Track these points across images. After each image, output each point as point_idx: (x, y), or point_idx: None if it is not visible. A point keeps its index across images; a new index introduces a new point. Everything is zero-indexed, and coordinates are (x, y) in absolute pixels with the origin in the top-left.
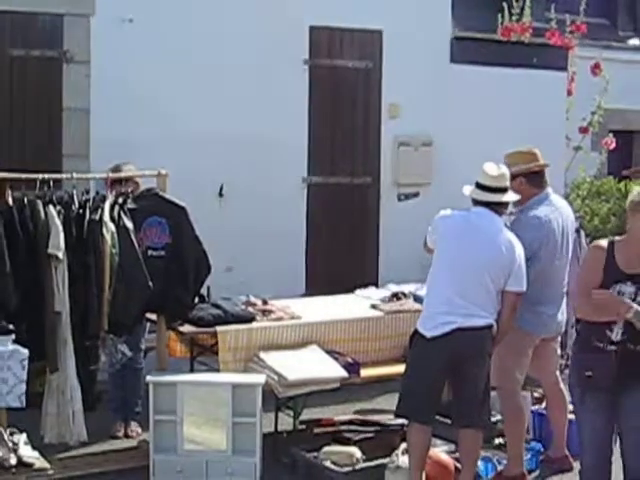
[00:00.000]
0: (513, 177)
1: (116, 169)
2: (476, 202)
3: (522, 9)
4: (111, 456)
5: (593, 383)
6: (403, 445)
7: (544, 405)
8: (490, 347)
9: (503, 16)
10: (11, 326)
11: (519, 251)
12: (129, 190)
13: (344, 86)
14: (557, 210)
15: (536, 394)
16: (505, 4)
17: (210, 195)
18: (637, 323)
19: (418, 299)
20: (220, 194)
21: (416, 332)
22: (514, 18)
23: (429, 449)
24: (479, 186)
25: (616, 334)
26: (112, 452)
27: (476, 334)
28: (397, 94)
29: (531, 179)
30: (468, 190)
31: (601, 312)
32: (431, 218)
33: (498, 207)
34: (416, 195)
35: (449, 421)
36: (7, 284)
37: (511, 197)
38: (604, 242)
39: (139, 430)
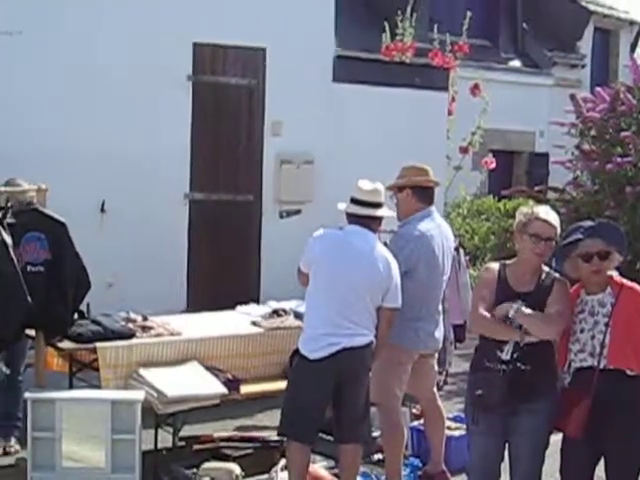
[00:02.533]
0: (401, 189)
1: (9, 183)
2: (350, 217)
3: (404, 29)
4: None
5: (483, 403)
6: (282, 461)
7: (422, 421)
8: (370, 363)
9: (386, 36)
10: None
11: (395, 268)
12: (9, 205)
13: (227, 103)
14: (439, 227)
15: (414, 410)
16: (387, 24)
17: (91, 211)
18: (522, 336)
19: (299, 316)
20: (102, 210)
21: (296, 352)
22: (397, 38)
23: (309, 466)
24: (353, 201)
25: (506, 353)
26: None
27: (359, 352)
28: (280, 112)
29: (418, 193)
30: (343, 206)
31: (493, 329)
32: (311, 235)
33: (372, 222)
34: (298, 212)
35: (329, 437)
36: None
37: (385, 212)
38: (495, 264)
39: (18, 447)
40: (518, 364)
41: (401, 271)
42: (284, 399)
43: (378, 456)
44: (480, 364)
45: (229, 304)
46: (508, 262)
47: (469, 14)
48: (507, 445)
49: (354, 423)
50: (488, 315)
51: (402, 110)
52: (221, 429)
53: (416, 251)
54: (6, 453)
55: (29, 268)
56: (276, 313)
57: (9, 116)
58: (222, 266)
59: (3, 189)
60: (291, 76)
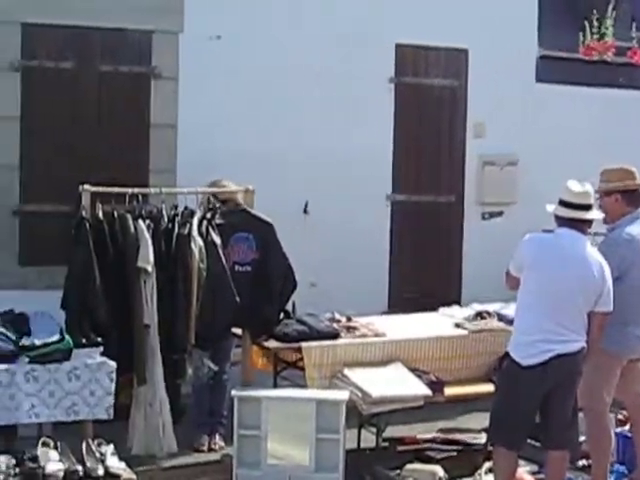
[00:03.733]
0: (609, 193)
1: (214, 184)
2: (559, 219)
3: (605, 28)
4: (195, 469)
5: None
6: (486, 464)
7: (628, 427)
8: (581, 369)
9: (585, 35)
10: (100, 339)
11: (607, 271)
12: (217, 205)
13: (429, 104)
14: None
15: (620, 416)
16: (587, 23)
17: (295, 212)
18: None
19: (503, 318)
20: (305, 211)
21: (506, 356)
22: (595, 37)
23: (515, 472)
24: (562, 203)
25: None
26: (196, 465)
27: (572, 359)
28: (482, 113)
29: (627, 197)
30: (551, 208)
31: None
32: (515, 237)
33: (582, 225)
34: (500, 214)
35: (536, 443)
36: (97, 297)
37: (595, 215)
38: None
39: (223, 444)
40: None
41: (613, 276)
42: (493, 404)
43: (583, 462)
44: None
45: (430, 306)
46: None
47: None
48: None
49: (563, 429)
50: None
51: (604, 110)
52: (423, 431)
53: (628, 256)
54: (211, 449)
55: (237, 268)
56: (480, 315)
57: (215, 119)
58: (423, 268)
59: (209, 190)
60: (493, 77)
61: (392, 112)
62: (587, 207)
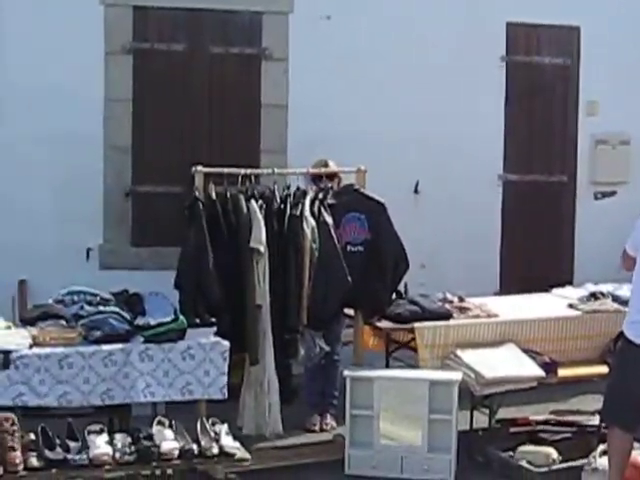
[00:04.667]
0: None
1: (321, 164)
2: None
3: None
4: (307, 449)
5: None
6: (601, 447)
7: None
8: None
9: None
10: (213, 319)
11: None
12: (329, 186)
13: (541, 83)
14: None
15: None
16: None
17: (405, 192)
18: None
19: (617, 299)
20: (415, 191)
21: (621, 336)
22: None
23: (631, 454)
24: None
25: None
26: (308, 445)
27: None
28: (595, 92)
29: None
30: None
31: None
32: (628, 217)
33: None
34: (613, 194)
35: None
36: (210, 278)
37: None
38: None
39: (334, 424)
40: None
41: None
42: (607, 385)
43: None
44: None
45: (542, 287)
46: None
47: None
48: None
49: None
50: None
51: None
52: (536, 412)
53: None
54: (323, 430)
55: (349, 248)
56: (594, 296)
57: (326, 100)
58: (535, 248)
59: (322, 171)
60: (606, 55)
61: (503, 91)
62: None
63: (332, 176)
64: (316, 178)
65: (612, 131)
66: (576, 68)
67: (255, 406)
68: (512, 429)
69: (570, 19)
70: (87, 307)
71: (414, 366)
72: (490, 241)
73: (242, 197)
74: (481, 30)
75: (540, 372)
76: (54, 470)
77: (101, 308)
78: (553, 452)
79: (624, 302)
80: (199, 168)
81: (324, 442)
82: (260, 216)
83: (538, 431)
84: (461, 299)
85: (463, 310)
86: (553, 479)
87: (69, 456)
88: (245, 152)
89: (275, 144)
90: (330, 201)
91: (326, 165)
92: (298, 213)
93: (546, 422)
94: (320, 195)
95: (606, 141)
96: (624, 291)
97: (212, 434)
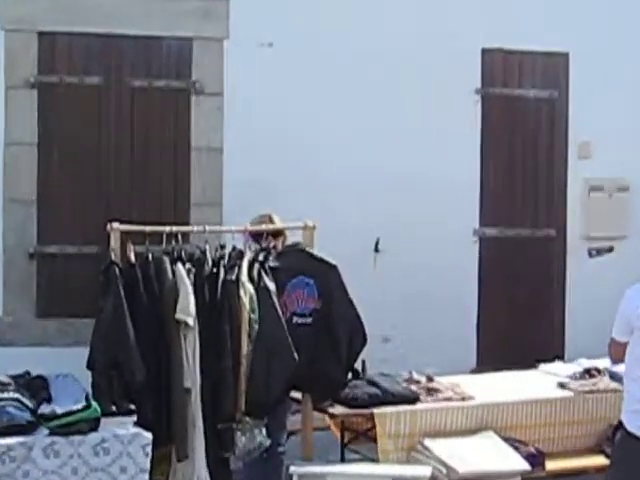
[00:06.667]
0: None
1: (263, 220)
2: None
3: None
4: None
5: None
6: None
7: None
8: None
9: None
10: (133, 405)
11: None
12: (272, 245)
13: (523, 119)
14: None
15: None
16: None
17: (363, 250)
18: None
19: (615, 376)
20: (376, 249)
21: (621, 425)
22: None
23: None
24: None
25: None
26: None
27: None
28: (587, 130)
29: None
30: None
31: None
32: (628, 278)
33: None
34: (610, 250)
35: None
36: (130, 356)
37: None
38: None
39: None
40: None
41: None
42: None
43: None
44: None
45: (528, 362)
46: None
47: None
48: None
49: None
50: None
51: None
52: None
53: None
54: None
55: (295, 319)
56: (588, 373)
57: (269, 141)
58: (519, 316)
59: (262, 228)
60: (600, 87)
61: (479, 130)
62: None
63: (276, 234)
64: (257, 236)
65: (608, 176)
66: (565, 102)
67: None
68: None
69: (557, 44)
70: None
71: (374, 460)
72: (465, 308)
73: (167, 259)
74: (453, 57)
75: (525, 465)
76: None
77: None
78: None
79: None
80: (115, 225)
81: None
82: (188, 282)
83: None
84: (430, 379)
85: (432, 392)
86: None
87: None
88: (172, 205)
89: (208, 195)
90: (272, 264)
91: (271, 221)
92: (234, 278)
93: None
94: (260, 256)
95: (601, 188)
96: (623, 367)
97: None
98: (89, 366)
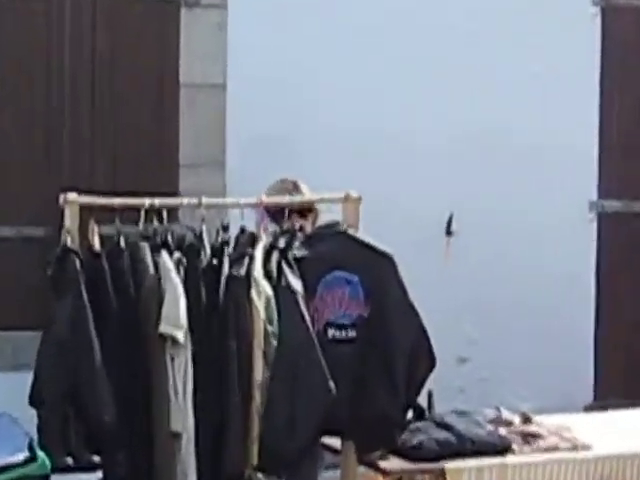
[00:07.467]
0: None
1: (285, 188)
2: None
3: None
4: None
5: None
6: None
7: None
8: None
9: None
10: (97, 456)
11: None
12: (298, 226)
13: None
14: None
15: None
16: None
17: (430, 233)
18: None
19: None
20: (447, 232)
21: None
22: None
23: None
24: None
25: None
26: None
27: None
28: None
29: None
30: None
31: None
32: None
33: None
34: None
35: None
36: (95, 385)
37: None
38: None
39: None
40: None
41: None
42: None
43: None
44: None
45: None
46: None
47: None
48: None
49: None
50: None
51: None
52: None
53: None
54: None
55: (331, 332)
56: None
57: (290, 70)
58: None
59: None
60: None
61: (597, 56)
62: None
63: (305, 210)
64: (276, 213)
65: None
66: None
67: None
68: None
69: None
70: None
71: None
72: (577, 319)
73: (146, 246)
74: None
75: None
76: None
77: None
78: None
79: None
80: (72, 196)
81: None
82: (178, 279)
83: None
84: (527, 419)
85: (530, 438)
86: None
87: None
88: (153, 168)
89: (204, 152)
90: (298, 253)
91: (296, 190)
92: (243, 273)
93: None
94: (281, 242)
95: None
96: None
97: None
98: (33, 400)
